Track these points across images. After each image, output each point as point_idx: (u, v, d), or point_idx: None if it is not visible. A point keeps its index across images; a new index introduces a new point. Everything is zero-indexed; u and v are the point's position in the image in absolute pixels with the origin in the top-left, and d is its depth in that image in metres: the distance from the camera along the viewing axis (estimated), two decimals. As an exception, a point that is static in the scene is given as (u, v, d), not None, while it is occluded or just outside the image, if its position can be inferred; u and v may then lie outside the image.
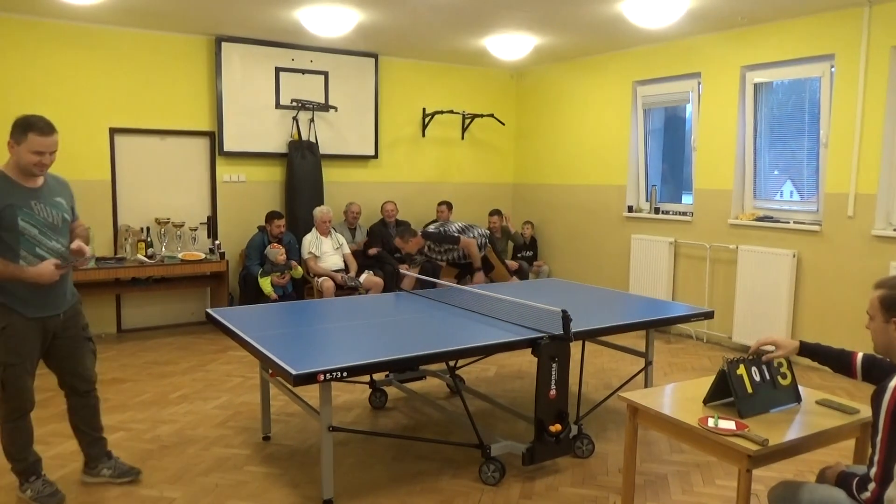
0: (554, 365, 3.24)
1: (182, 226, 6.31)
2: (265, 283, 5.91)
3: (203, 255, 6.15)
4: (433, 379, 4.61)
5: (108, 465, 3.23)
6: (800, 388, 2.52)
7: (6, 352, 2.81)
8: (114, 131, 6.06)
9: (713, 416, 2.23)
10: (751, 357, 2.45)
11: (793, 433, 2.20)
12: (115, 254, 6.08)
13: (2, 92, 5.58)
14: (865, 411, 2.37)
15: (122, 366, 5.19)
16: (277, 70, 6.63)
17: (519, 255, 7.65)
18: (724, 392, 2.42)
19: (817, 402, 2.48)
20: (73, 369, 3.10)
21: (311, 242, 6.35)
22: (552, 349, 3.22)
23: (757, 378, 2.40)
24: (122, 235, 6.10)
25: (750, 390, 2.37)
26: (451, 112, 7.59)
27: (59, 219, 2.92)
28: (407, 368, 4.01)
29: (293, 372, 2.62)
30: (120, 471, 3.24)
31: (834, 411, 2.40)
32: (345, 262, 6.50)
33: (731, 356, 2.43)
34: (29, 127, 2.76)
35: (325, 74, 6.87)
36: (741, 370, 2.38)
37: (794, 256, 5.34)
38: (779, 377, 2.46)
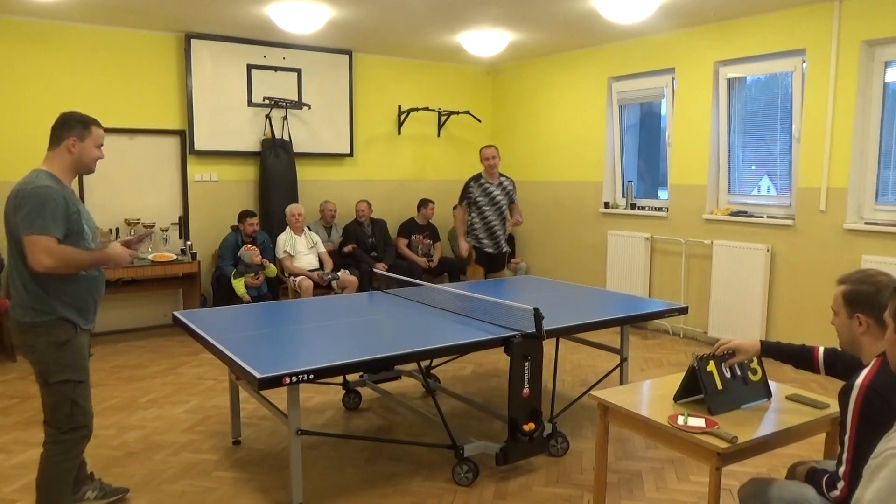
0: (527, 363, 3.21)
1: (152, 226, 6.19)
2: (238, 285, 5.82)
3: (174, 256, 6.04)
4: (409, 378, 4.56)
5: (91, 487, 3.04)
6: (770, 383, 2.51)
7: (74, 368, 2.63)
8: (80, 130, 5.91)
9: (683, 414, 2.21)
10: (722, 353, 2.43)
11: (762, 430, 2.18)
12: (84, 256, 5.94)
13: (-38, 90, 5.43)
14: (835, 406, 2.36)
15: (90, 370, 5.06)
16: (249, 67, 6.52)
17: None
18: (694, 389, 2.40)
19: (787, 398, 2.47)
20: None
21: (286, 241, 6.27)
22: (524, 347, 3.18)
23: (727, 374, 2.38)
24: (90, 237, 5.97)
25: (720, 387, 2.35)
26: (427, 109, 7.53)
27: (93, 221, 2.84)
28: (378, 369, 3.95)
29: (257, 375, 2.55)
30: (105, 491, 3.06)
31: (804, 406, 2.39)
32: (320, 260, 6.42)
33: (701, 352, 2.41)
34: (90, 120, 2.72)
35: (299, 72, 6.78)
36: (711, 366, 2.36)
37: (767, 251, 5.37)
38: (749, 373, 2.44)
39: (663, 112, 6.48)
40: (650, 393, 2.59)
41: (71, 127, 2.68)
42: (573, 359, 5.36)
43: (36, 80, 5.68)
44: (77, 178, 5.79)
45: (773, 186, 5.68)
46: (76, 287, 2.62)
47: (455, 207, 6.18)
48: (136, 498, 3.10)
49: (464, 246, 5.65)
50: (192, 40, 6.21)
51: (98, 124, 2.76)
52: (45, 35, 5.70)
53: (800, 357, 2.29)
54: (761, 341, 2.39)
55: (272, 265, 6.04)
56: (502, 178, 5.62)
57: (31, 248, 2.46)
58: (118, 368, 5.15)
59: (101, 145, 2.77)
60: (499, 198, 5.57)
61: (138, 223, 6.14)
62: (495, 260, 5.69)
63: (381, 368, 3.85)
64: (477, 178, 5.61)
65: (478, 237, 5.61)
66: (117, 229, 6.07)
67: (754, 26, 5.39)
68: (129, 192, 6.22)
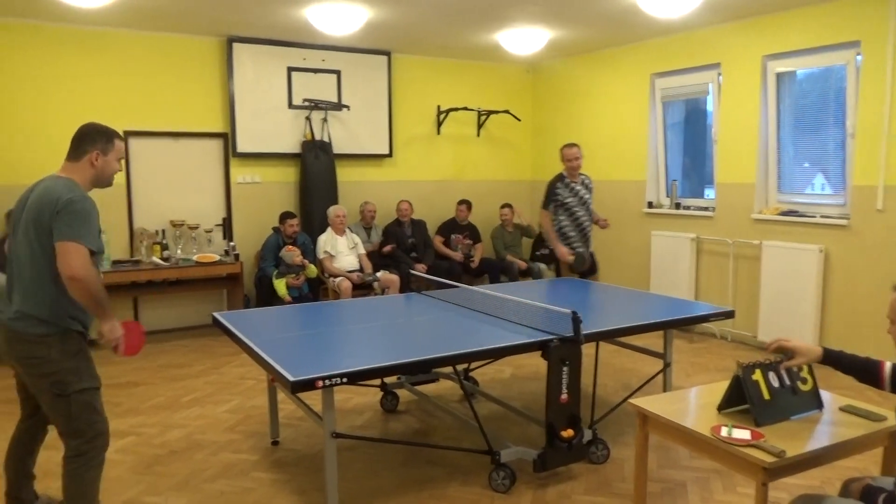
0: (565, 368, 3.13)
1: (197, 228, 6.32)
2: (280, 286, 5.88)
3: (218, 257, 6.14)
4: (447, 381, 4.52)
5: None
6: (822, 393, 2.39)
7: (91, 375, 2.63)
8: (128, 134, 6.06)
9: (727, 425, 2.11)
10: (770, 362, 2.31)
11: (813, 443, 2.07)
12: (131, 256, 6.10)
13: (14, 98, 5.63)
14: (893, 418, 2.23)
15: (136, 369, 5.20)
16: (289, 70, 6.59)
17: (538, 252, 7.51)
18: (740, 398, 2.29)
19: (841, 409, 2.34)
20: None
21: (327, 241, 6.31)
22: (562, 351, 3.11)
23: (775, 384, 2.27)
24: (137, 238, 6.12)
25: (767, 397, 2.24)
26: (466, 109, 7.49)
27: None
28: (415, 372, 3.92)
29: (290, 378, 2.55)
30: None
31: (859, 419, 2.26)
32: (360, 262, 6.45)
33: (746, 360, 2.30)
34: (112, 133, 2.70)
35: (338, 73, 6.82)
36: (757, 375, 2.25)
37: (821, 251, 5.15)
38: (799, 382, 2.32)
39: (709, 108, 6.29)
40: (693, 402, 2.49)
41: (95, 140, 2.64)
42: (615, 362, 5.25)
43: (83, 86, 5.85)
44: (125, 179, 6.05)
45: (826, 185, 5.45)
46: None
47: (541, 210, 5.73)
48: (176, 497, 3.15)
49: (563, 251, 5.36)
50: (234, 44, 6.31)
51: (120, 137, 2.73)
52: (91, 41, 5.86)
53: (864, 370, 2.12)
54: (824, 348, 2.20)
55: (312, 266, 6.08)
56: (582, 176, 5.48)
57: (70, 252, 2.41)
58: (163, 367, 5.26)
59: (122, 158, 2.75)
60: (585, 196, 5.43)
61: (183, 224, 6.27)
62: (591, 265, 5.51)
63: (417, 371, 3.82)
64: (560, 178, 5.40)
65: (569, 240, 5.35)
66: (163, 231, 6.21)
67: (805, 18, 5.18)
68: (174, 194, 6.36)
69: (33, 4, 5.15)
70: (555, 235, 5.41)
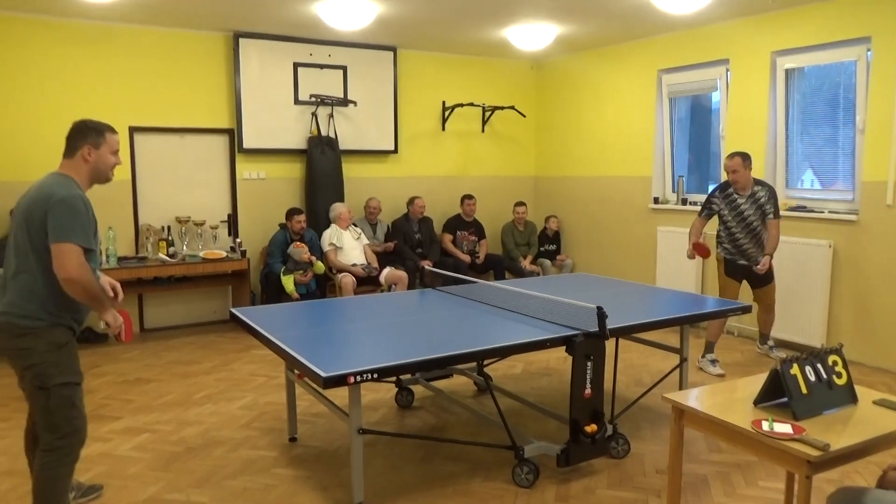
0: (589, 363, 3.13)
1: (203, 224, 6.27)
2: (288, 282, 5.85)
3: (224, 254, 6.10)
4: (459, 377, 4.52)
5: (70, 489, 2.93)
6: (856, 387, 2.39)
7: (73, 371, 2.61)
8: (133, 130, 6.02)
9: (767, 419, 2.11)
10: (806, 356, 2.32)
11: (854, 436, 2.07)
12: (137, 253, 6.05)
13: (19, 92, 5.57)
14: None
15: (145, 366, 5.16)
16: (295, 65, 6.55)
17: (542, 248, 7.53)
18: (774, 393, 2.30)
19: (875, 403, 2.35)
20: None
21: (332, 234, 6.28)
22: (587, 347, 3.11)
23: (812, 378, 2.27)
24: (143, 235, 6.07)
25: (805, 391, 2.24)
26: (472, 105, 7.47)
27: None
28: (439, 367, 3.90)
29: (323, 374, 2.54)
30: (82, 490, 3.05)
31: (894, 412, 2.27)
32: (365, 254, 6.41)
33: (785, 354, 2.30)
34: (103, 127, 2.66)
35: (344, 69, 6.78)
36: (795, 370, 2.25)
37: (829, 247, 5.17)
38: (834, 377, 2.33)
39: (715, 104, 6.30)
40: (724, 396, 2.49)
41: (85, 135, 2.62)
42: (626, 357, 5.26)
43: (88, 81, 5.80)
44: (130, 175, 5.99)
45: (831, 180, 5.47)
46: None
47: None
48: (199, 493, 3.13)
49: (690, 248, 5.01)
50: (241, 39, 6.26)
51: (112, 130, 2.69)
52: (97, 36, 5.80)
53: None
54: None
55: (320, 262, 6.06)
56: (756, 189, 4.79)
57: (63, 254, 2.41)
58: (172, 364, 5.22)
59: (117, 151, 2.69)
60: (747, 212, 4.79)
61: (188, 221, 6.22)
62: (754, 274, 4.86)
63: (443, 367, 3.80)
64: (723, 187, 4.90)
65: (727, 249, 4.95)
66: (168, 227, 6.16)
67: (814, 14, 5.19)
68: (180, 190, 6.31)
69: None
70: (695, 238, 5.00)
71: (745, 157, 4.78)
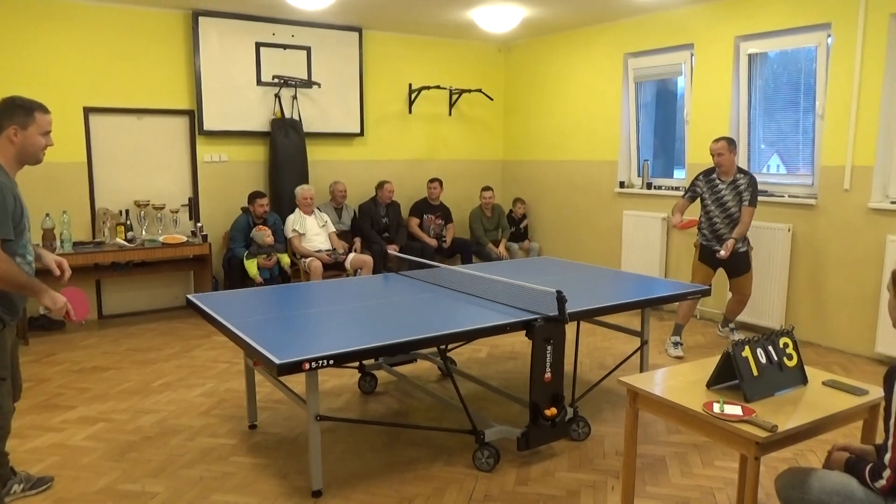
0: (549, 347, 3.14)
1: (162, 208, 6.13)
2: (251, 266, 5.76)
3: (185, 238, 5.98)
4: (424, 361, 4.50)
5: (17, 481, 2.90)
6: (806, 368, 2.43)
7: (0, 365, 2.52)
8: (88, 111, 5.83)
9: (718, 401, 2.13)
10: (757, 338, 2.34)
11: (802, 417, 2.11)
12: (94, 238, 5.89)
13: (-32, 70, 5.35)
14: (874, 392, 2.29)
15: (103, 353, 5.04)
16: (258, 45, 6.40)
17: (510, 231, 7.52)
18: (728, 374, 2.32)
19: (824, 384, 2.39)
20: (15, 377, 2.77)
21: (295, 220, 6.19)
22: (547, 331, 3.11)
23: (763, 360, 2.30)
24: (99, 219, 5.90)
25: (756, 373, 2.27)
26: (438, 87, 7.40)
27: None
28: (399, 353, 3.88)
29: (276, 361, 2.49)
30: (31, 482, 2.94)
31: (842, 393, 2.31)
32: (330, 241, 6.35)
33: (738, 337, 2.32)
34: (34, 106, 2.52)
35: (308, 49, 6.65)
36: (747, 352, 2.27)
37: (789, 231, 5.26)
38: (785, 359, 2.36)
39: (679, 89, 6.33)
40: (679, 378, 2.51)
41: (11, 114, 2.49)
42: (589, 341, 5.30)
43: (42, 59, 5.59)
44: (85, 157, 5.81)
45: (794, 165, 5.55)
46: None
47: None
48: (154, 483, 3.07)
49: (672, 219, 5.11)
50: (200, 18, 6.09)
51: (43, 109, 2.56)
52: (52, 13, 5.59)
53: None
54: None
55: (285, 255, 5.98)
56: (738, 177, 4.83)
57: None
58: (131, 352, 5.11)
59: (48, 132, 2.57)
60: (726, 198, 4.83)
61: (147, 205, 6.07)
62: (729, 263, 4.85)
63: (402, 352, 3.78)
64: (707, 172, 4.94)
65: (705, 235, 4.98)
66: (126, 211, 6.00)
67: (778, 0, 5.23)
68: (139, 173, 6.15)
69: (-16, -29, 4.88)
70: (678, 215, 5.07)
71: (731, 142, 4.83)
